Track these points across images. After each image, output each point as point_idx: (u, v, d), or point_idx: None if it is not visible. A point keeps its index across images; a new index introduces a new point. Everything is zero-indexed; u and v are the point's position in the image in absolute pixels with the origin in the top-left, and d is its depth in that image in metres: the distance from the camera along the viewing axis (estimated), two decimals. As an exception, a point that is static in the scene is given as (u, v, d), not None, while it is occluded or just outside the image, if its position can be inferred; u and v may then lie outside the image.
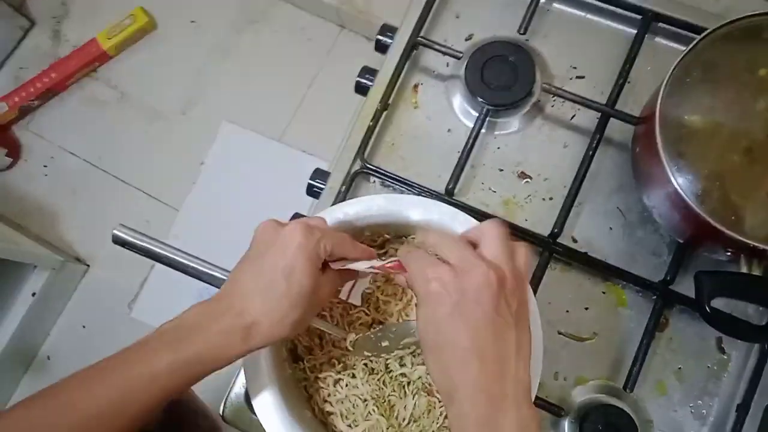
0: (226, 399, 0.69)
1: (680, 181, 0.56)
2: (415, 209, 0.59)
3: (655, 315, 0.66)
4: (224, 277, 0.55)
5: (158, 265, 1.56)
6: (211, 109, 1.68)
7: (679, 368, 0.67)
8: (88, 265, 1.62)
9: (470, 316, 0.43)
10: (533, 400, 0.54)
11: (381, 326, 0.60)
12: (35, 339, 1.56)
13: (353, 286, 0.59)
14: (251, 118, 1.66)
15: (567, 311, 0.69)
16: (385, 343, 0.58)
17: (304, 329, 0.52)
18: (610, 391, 0.66)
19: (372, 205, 0.59)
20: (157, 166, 1.66)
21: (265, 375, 0.57)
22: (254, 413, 0.67)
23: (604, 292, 0.69)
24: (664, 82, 0.59)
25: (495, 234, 0.47)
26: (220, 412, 0.69)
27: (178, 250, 0.56)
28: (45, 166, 1.69)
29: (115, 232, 0.55)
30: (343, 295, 0.59)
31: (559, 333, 0.69)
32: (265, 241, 0.50)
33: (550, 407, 0.64)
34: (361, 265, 0.52)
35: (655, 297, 0.67)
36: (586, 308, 0.69)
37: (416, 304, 0.47)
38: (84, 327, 1.59)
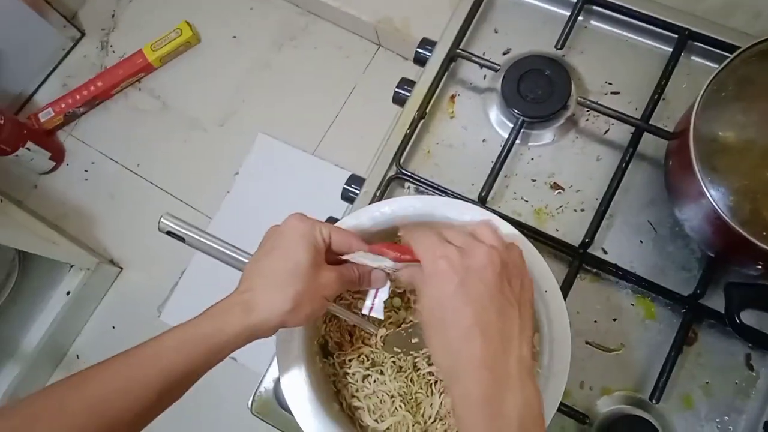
0: (256, 393, 0.71)
1: (713, 194, 0.57)
2: (450, 211, 0.60)
3: (684, 329, 0.66)
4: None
5: (189, 271, 1.62)
6: (248, 121, 1.73)
7: (707, 383, 0.67)
8: (122, 268, 1.66)
9: (474, 293, 0.44)
10: (558, 405, 0.55)
11: (412, 323, 0.62)
12: (67, 337, 1.59)
13: (375, 300, 0.58)
14: (286, 131, 1.70)
15: (595, 321, 0.70)
16: (415, 340, 0.60)
17: (315, 316, 0.53)
18: (635, 402, 0.66)
19: (407, 205, 0.61)
20: (193, 175, 1.71)
21: (297, 367, 0.58)
22: (283, 407, 0.69)
23: (632, 305, 0.70)
24: (699, 96, 0.59)
25: (490, 228, 0.49)
26: (249, 406, 0.71)
27: (223, 241, 0.58)
28: (86, 171, 1.75)
29: (162, 220, 0.57)
30: (365, 311, 0.58)
31: (587, 343, 0.69)
32: (270, 235, 0.54)
33: (575, 415, 0.64)
34: (368, 259, 0.54)
35: (684, 311, 0.67)
36: (614, 319, 0.69)
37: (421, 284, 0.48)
38: (114, 328, 1.63)
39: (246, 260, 0.58)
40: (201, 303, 1.71)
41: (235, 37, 1.78)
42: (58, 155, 1.73)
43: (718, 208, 0.56)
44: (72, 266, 1.52)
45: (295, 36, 1.76)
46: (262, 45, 1.77)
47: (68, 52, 1.83)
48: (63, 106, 1.73)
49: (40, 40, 1.75)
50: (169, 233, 0.58)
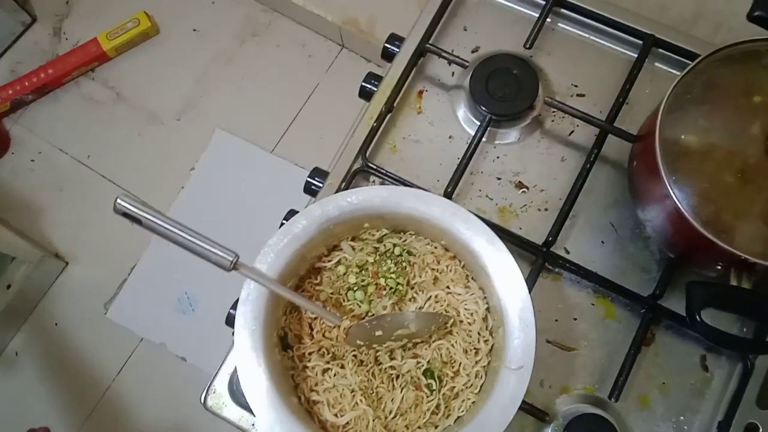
0: (209, 387, 0.68)
1: (677, 194, 0.58)
2: (417, 203, 0.60)
3: (643, 329, 0.67)
4: (225, 256, 0.55)
5: (138, 267, 1.57)
6: (206, 116, 1.69)
7: (663, 383, 0.67)
8: (67, 262, 1.59)
9: None
10: (521, 401, 0.55)
11: (375, 315, 0.60)
12: (5, 333, 1.52)
13: None
14: (245, 128, 1.66)
15: (556, 320, 0.70)
16: (378, 333, 0.58)
17: None
18: (594, 401, 0.66)
19: (374, 195, 0.60)
20: (146, 169, 1.66)
21: (256, 358, 0.56)
22: (237, 403, 0.67)
23: (593, 304, 0.70)
24: (665, 99, 0.60)
25: None
26: (201, 400, 0.68)
27: (181, 225, 0.56)
28: (32, 161, 1.67)
29: (118, 201, 0.55)
30: None
31: (547, 341, 0.69)
32: None
33: (535, 412, 0.64)
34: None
35: (643, 311, 0.68)
36: (575, 319, 0.70)
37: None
38: (56, 325, 1.55)
39: (204, 246, 0.55)
40: (150, 302, 1.67)
41: (195, 30, 1.74)
42: (2, 143, 1.65)
43: (682, 209, 0.57)
44: (14, 258, 1.45)
45: (258, 32, 1.73)
46: (223, 40, 1.73)
47: (18, 37, 1.75)
48: (10, 92, 1.65)
49: (-12, 23, 1.68)
50: (124, 215, 0.55)
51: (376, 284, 0.63)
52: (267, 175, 1.64)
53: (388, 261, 0.63)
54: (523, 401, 0.62)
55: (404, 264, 0.63)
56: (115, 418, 1.48)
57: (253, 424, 0.66)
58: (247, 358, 0.56)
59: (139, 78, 1.72)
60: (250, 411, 0.66)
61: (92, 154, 1.68)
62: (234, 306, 0.66)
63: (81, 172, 1.66)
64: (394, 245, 0.64)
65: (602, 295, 0.70)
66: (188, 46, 1.74)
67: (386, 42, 0.80)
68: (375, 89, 0.78)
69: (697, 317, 0.56)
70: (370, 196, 0.59)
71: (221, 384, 0.68)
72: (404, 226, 0.64)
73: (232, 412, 0.67)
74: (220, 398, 0.68)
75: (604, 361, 0.68)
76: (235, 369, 0.68)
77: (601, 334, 0.69)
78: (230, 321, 0.70)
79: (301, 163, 1.62)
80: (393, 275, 0.62)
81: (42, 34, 1.76)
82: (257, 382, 0.55)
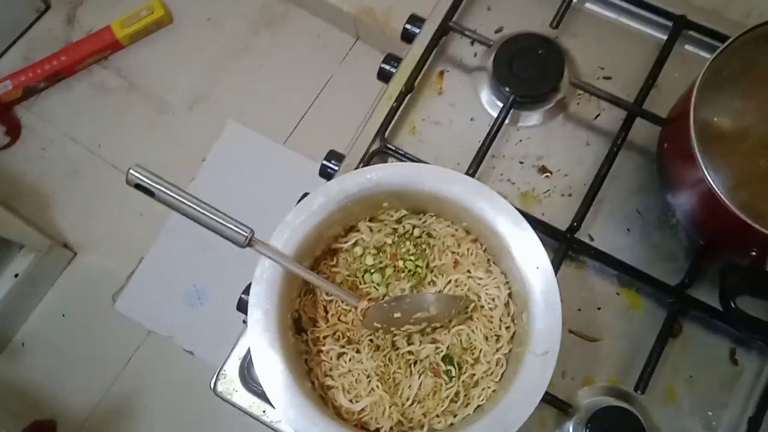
0: (219, 372, 0.66)
1: (712, 177, 0.55)
2: (438, 181, 0.57)
3: (670, 319, 0.64)
4: (241, 231, 0.53)
5: (147, 259, 1.55)
6: (218, 107, 1.67)
7: (691, 376, 0.65)
8: (76, 252, 1.58)
9: None
10: (545, 388, 0.52)
11: (394, 296, 0.58)
12: (12, 323, 1.50)
13: None
14: (258, 119, 1.65)
15: (579, 310, 0.67)
16: (396, 315, 0.56)
17: None
18: (618, 394, 0.64)
19: (394, 171, 0.57)
20: (157, 159, 1.64)
21: (270, 338, 0.54)
22: (248, 388, 0.65)
23: (618, 294, 0.67)
24: (699, 78, 0.58)
25: None
26: (211, 386, 0.66)
27: (196, 198, 0.54)
28: (43, 149, 1.66)
29: (131, 172, 0.53)
30: None
31: (570, 331, 0.66)
32: None
33: (557, 403, 0.62)
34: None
35: (671, 301, 0.65)
36: (599, 308, 0.67)
37: None
38: (64, 315, 1.54)
39: (219, 220, 0.53)
40: (158, 294, 1.65)
41: (209, 19, 1.73)
42: (13, 131, 1.64)
43: (717, 192, 0.54)
44: (22, 247, 1.44)
45: (273, 22, 1.72)
46: (237, 29, 1.72)
47: (32, 24, 1.74)
48: (22, 79, 1.64)
49: (2, 10, 1.66)
50: (137, 186, 0.53)
51: (394, 266, 0.60)
52: (279, 168, 1.62)
53: (407, 242, 0.61)
54: (545, 392, 0.60)
55: (424, 246, 0.61)
56: (122, 410, 1.46)
57: (264, 411, 0.64)
58: (260, 338, 0.54)
59: (151, 67, 1.71)
60: (262, 397, 0.64)
61: (103, 143, 1.66)
62: (246, 291, 0.64)
63: (92, 161, 1.65)
64: (414, 226, 0.61)
65: (627, 284, 0.67)
66: (201, 35, 1.72)
67: (407, 22, 0.78)
68: (394, 70, 0.76)
69: (732, 304, 0.53)
70: (390, 173, 0.57)
71: (232, 369, 0.66)
72: (424, 207, 0.62)
73: (242, 398, 0.65)
74: (230, 384, 0.65)
75: (629, 353, 0.65)
76: (247, 354, 0.66)
77: (625, 324, 0.66)
78: (242, 306, 0.68)
79: (313, 156, 1.60)
80: (412, 257, 0.60)
81: (56, 21, 1.75)
82: (271, 363, 0.53)
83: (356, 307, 0.57)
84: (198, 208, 0.53)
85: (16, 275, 1.43)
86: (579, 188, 0.70)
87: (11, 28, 1.72)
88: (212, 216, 0.53)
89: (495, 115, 0.71)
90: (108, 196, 1.62)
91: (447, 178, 0.57)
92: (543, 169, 0.71)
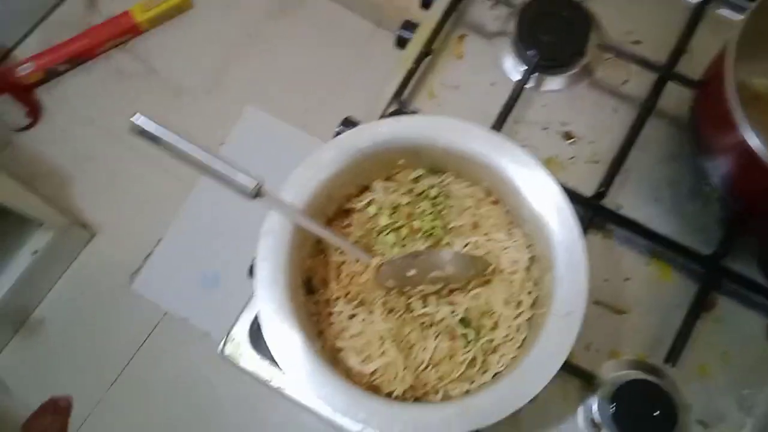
0: (228, 335, 0.64)
1: (752, 138, 0.52)
2: (456, 136, 0.55)
3: (703, 291, 0.61)
4: (248, 181, 0.51)
5: (165, 241, 1.54)
6: (236, 92, 1.66)
7: (725, 352, 0.61)
8: (95, 233, 1.57)
9: None
10: (568, 352, 0.49)
11: (410, 253, 0.55)
12: (30, 300, 1.50)
13: None
14: (276, 104, 1.63)
15: (605, 280, 0.64)
16: (412, 272, 0.53)
17: None
18: (646, 368, 0.60)
19: (409, 123, 0.55)
20: (175, 143, 1.63)
21: (279, 292, 0.52)
22: (258, 351, 0.62)
23: (647, 264, 0.64)
24: (735, 38, 0.55)
25: None
26: (219, 350, 0.64)
27: (203, 146, 0.52)
28: (63, 131, 1.66)
29: (133, 119, 0.51)
30: None
31: (596, 302, 0.63)
32: None
33: (581, 374, 0.58)
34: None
35: (703, 272, 0.61)
36: (627, 279, 0.64)
37: None
38: (82, 294, 1.53)
39: (226, 169, 0.51)
40: (175, 276, 1.63)
41: (228, 4, 1.72)
42: (34, 112, 1.64)
43: (758, 153, 0.51)
44: (41, 225, 1.43)
45: (292, 8, 1.70)
46: (256, 14, 1.70)
47: (53, 9, 1.74)
48: (44, 61, 1.64)
49: (24, -6, 1.67)
50: (141, 133, 0.51)
51: (410, 227, 0.58)
52: (297, 152, 1.58)
53: (424, 202, 0.58)
54: (568, 363, 0.57)
55: (441, 206, 0.58)
56: (137, 390, 1.45)
57: (271, 378, 0.62)
58: (268, 293, 0.51)
59: (170, 51, 1.70)
60: (271, 361, 0.62)
61: (122, 126, 1.65)
62: None
63: (110, 143, 1.64)
64: (431, 186, 0.59)
65: (657, 255, 0.64)
66: (220, 20, 1.71)
67: (425, -14, 0.75)
68: (412, 36, 0.74)
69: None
70: (405, 125, 0.54)
71: (241, 333, 0.64)
72: (443, 166, 0.59)
73: (250, 362, 0.62)
74: (238, 347, 0.63)
75: (658, 327, 0.62)
76: (257, 317, 0.63)
77: (655, 297, 0.63)
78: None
79: (331, 140, 1.58)
80: (428, 217, 0.57)
81: (77, 5, 1.75)
82: (278, 320, 0.51)
83: (369, 265, 0.55)
84: (204, 156, 0.51)
85: (35, 252, 1.42)
86: (605, 155, 0.67)
87: (33, 11, 1.72)
88: (219, 165, 0.51)
89: (517, 79, 0.68)
90: (127, 177, 1.61)
91: (467, 130, 0.54)
92: (568, 135, 0.68)
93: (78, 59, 1.68)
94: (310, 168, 0.54)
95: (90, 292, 1.53)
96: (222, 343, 0.64)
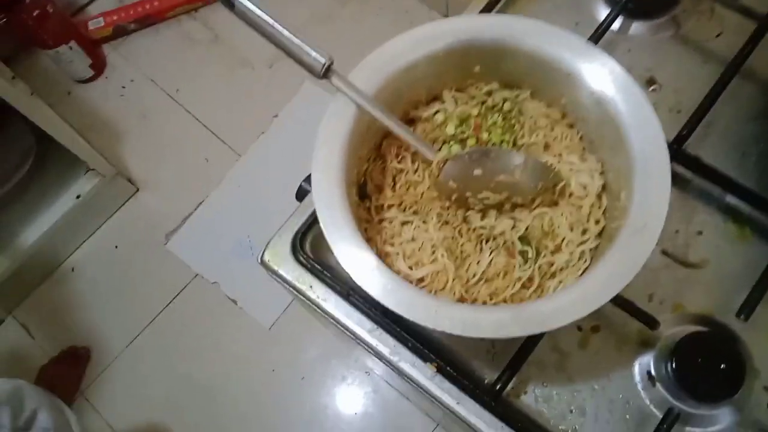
0: (270, 241, 0.61)
1: None
2: (545, 38, 0.51)
3: (785, 252, 0.56)
4: (319, 58, 0.49)
5: (205, 204, 1.53)
6: (296, 68, 1.62)
7: (806, 318, 0.55)
8: (138, 189, 1.58)
9: None
10: (639, 269, 0.45)
11: (478, 148, 0.52)
12: (66, 245, 1.50)
13: None
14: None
15: (676, 231, 0.59)
16: (477, 172, 0.50)
17: None
18: (712, 324, 0.55)
19: (492, 21, 0.52)
20: (230, 110, 1.64)
21: (334, 179, 0.49)
22: (298, 260, 0.59)
23: (723, 220, 0.59)
24: None
25: None
26: (259, 258, 0.61)
27: (278, 19, 0.50)
28: (123, 87, 1.69)
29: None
30: None
31: (663, 252, 0.58)
32: None
33: (643, 317, 0.53)
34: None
35: (788, 231, 0.57)
36: (699, 232, 0.59)
37: None
38: (116, 247, 1.53)
39: (298, 43, 0.49)
40: (210, 239, 1.61)
41: (301, -16, 1.74)
42: (98, 66, 1.67)
43: None
44: (88, 170, 1.44)
45: (363, -6, 1.71)
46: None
47: (130, -31, 1.79)
48: (114, 18, 1.68)
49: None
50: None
51: (477, 138, 0.54)
52: (349, 132, 1.58)
53: (496, 115, 0.55)
54: (631, 303, 0.53)
55: (513, 121, 0.55)
56: (155, 349, 1.43)
57: (311, 286, 0.59)
58: (323, 175, 0.48)
59: (238, 22, 1.70)
60: (311, 271, 0.59)
61: (181, 88, 1.67)
62: (307, 179, 0.60)
63: (167, 104, 1.66)
64: (505, 99, 0.55)
65: (736, 210, 0.59)
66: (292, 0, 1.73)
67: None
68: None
69: None
70: (490, 23, 0.51)
71: (283, 243, 0.61)
72: (520, 81, 0.55)
73: (289, 270, 0.59)
74: (277, 255, 0.60)
75: (729, 284, 0.57)
76: (302, 227, 0.61)
77: (729, 253, 0.58)
78: (301, 194, 0.63)
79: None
80: (498, 130, 0.54)
81: (154, -32, 1.79)
82: (334, 201, 0.47)
83: (433, 161, 0.51)
84: (278, 28, 0.49)
85: (78, 197, 1.43)
86: (689, 105, 0.62)
87: (110, -30, 1.76)
88: (292, 39, 0.49)
89: (602, 19, 0.65)
90: (179, 139, 1.63)
91: (558, 35, 0.51)
92: (651, 81, 0.65)
93: (147, 20, 1.71)
94: (383, 55, 0.52)
95: (124, 246, 1.53)
96: (263, 249, 0.61)
